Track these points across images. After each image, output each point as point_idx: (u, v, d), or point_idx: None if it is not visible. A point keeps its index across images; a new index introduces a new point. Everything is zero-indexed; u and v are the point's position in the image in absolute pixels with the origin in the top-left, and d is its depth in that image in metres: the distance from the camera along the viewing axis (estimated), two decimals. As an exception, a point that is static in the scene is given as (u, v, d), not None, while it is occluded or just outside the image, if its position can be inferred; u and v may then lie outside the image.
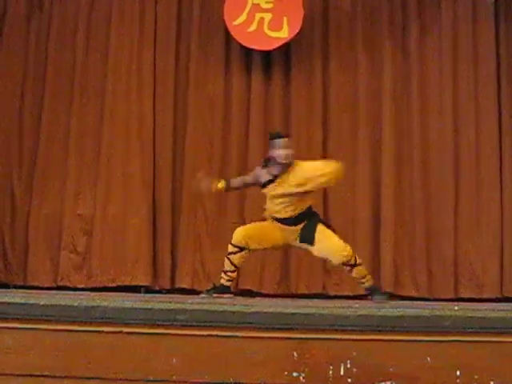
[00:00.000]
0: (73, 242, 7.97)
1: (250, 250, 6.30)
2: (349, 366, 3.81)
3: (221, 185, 6.39)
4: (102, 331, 3.87)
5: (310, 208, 6.24)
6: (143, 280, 7.82)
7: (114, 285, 7.77)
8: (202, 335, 3.85)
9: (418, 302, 6.58)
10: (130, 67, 8.21)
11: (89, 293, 7.01)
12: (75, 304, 3.94)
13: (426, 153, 8.01)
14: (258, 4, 8.15)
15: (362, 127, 8.04)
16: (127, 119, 8.12)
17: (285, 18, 8.04)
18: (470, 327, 3.94)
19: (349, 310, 4.01)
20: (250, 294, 7.69)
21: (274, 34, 8.07)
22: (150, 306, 3.93)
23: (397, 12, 8.23)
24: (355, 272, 6.20)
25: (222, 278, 6.31)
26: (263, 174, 6.24)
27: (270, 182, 6.16)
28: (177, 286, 7.87)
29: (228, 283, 6.30)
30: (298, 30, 8.01)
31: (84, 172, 8.11)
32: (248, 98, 8.19)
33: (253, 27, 8.09)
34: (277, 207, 6.17)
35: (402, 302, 6.90)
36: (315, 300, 6.95)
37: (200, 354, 3.84)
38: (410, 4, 8.22)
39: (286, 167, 6.10)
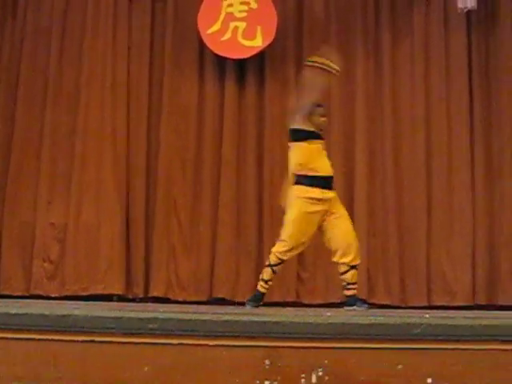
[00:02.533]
0: (46, 250, 7.93)
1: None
2: (320, 374, 3.81)
3: None
4: (73, 340, 3.85)
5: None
6: (116, 288, 7.79)
7: (87, 293, 7.74)
8: (174, 344, 3.84)
9: (390, 310, 6.60)
10: (104, 76, 8.19)
11: (61, 301, 6.98)
12: (46, 313, 3.91)
13: (399, 160, 8.07)
14: (232, 13, 8.17)
15: (335, 134, 8.07)
16: (101, 128, 8.10)
17: (258, 27, 8.08)
18: (441, 335, 3.96)
19: (320, 318, 4.01)
20: (223, 302, 7.69)
21: (247, 43, 8.10)
22: (121, 315, 3.91)
23: (370, 20, 8.30)
24: (351, 275, 6.24)
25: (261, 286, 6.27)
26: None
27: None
28: (150, 294, 7.85)
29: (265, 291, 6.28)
30: (271, 39, 8.05)
31: (57, 180, 8.07)
32: (222, 106, 8.20)
33: (227, 36, 8.12)
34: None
35: (374, 309, 6.92)
36: (288, 308, 6.95)
37: (172, 363, 3.83)
38: (383, 12, 8.30)
39: None
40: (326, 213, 6.18)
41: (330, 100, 8.14)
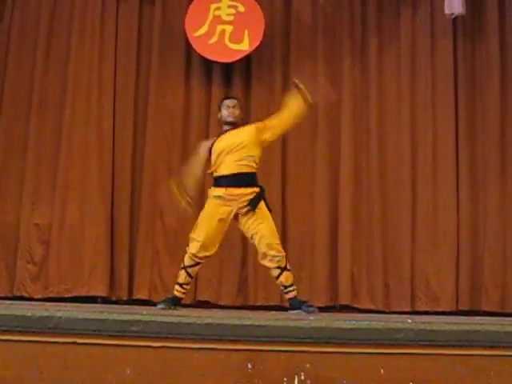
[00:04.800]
0: (30, 251, 7.87)
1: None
2: (303, 377, 3.82)
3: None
4: (56, 342, 3.84)
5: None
6: (100, 290, 7.75)
7: (70, 295, 7.69)
8: (156, 346, 3.84)
9: (372, 315, 6.61)
10: (90, 79, 8.14)
11: (44, 303, 6.96)
12: (28, 314, 3.91)
13: (384, 167, 8.08)
14: (220, 16, 8.16)
15: (321, 140, 8.08)
16: (86, 129, 8.05)
17: (246, 31, 8.06)
18: (423, 340, 3.98)
19: (303, 321, 4.02)
20: (207, 305, 7.69)
21: (234, 47, 8.09)
22: (103, 317, 3.91)
23: (357, 26, 8.30)
24: (284, 277, 6.26)
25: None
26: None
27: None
28: (134, 297, 7.82)
29: None
30: (258, 43, 8.04)
31: (42, 181, 8.02)
32: (208, 109, 8.17)
33: (214, 39, 8.10)
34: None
35: (356, 314, 6.93)
36: (271, 312, 6.95)
37: (154, 366, 3.84)
38: (370, 18, 8.30)
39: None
40: (237, 211, 6.35)
41: (316, 107, 8.14)
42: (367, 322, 4.21)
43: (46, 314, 3.93)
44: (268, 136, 6.57)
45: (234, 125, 6.60)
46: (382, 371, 3.87)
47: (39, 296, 7.73)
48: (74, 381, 3.82)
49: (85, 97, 8.13)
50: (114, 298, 7.84)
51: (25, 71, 8.22)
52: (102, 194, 7.94)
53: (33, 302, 7.16)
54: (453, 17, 7.86)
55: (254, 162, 6.47)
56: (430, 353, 3.96)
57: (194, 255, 6.34)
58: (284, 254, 6.36)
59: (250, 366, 3.80)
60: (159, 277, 7.91)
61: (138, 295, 7.80)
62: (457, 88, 8.15)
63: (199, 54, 8.12)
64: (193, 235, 6.39)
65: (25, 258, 7.86)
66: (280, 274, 6.28)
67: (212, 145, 6.55)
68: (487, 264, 7.80)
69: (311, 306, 6.36)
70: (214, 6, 8.16)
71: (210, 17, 8.14)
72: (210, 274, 7.75)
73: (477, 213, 7.96)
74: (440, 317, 6.86)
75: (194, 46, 8.10)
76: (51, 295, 7.69)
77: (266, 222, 6.34)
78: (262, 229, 6.30)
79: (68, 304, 6.82)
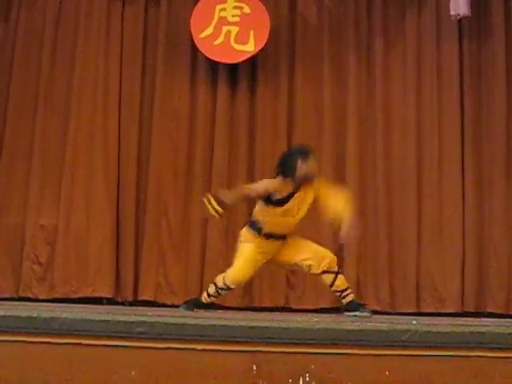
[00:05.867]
0: (35, 252, 7.88)
1: None
2: (307, 379, 3.82)
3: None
4: (61, 343, 3.85)
5: None
6: (106, 292, 7.76)
7: (76, 296, 7.70)
8: (162, 348, 3.84)
9: (378, 316, 6.60)
10: (96, 80, 8.15)
11: (50, 304, 6.96)
12: (34, 315, 3.91)
13: (390, 168, 8.07)
14: (225, 17, 8.16)
15: (327, 141, 8.08)
16: (92, 130, 8.07)
17: (251, 32, 8.06)
18: (429, 341, 3.98)
19: (308, 323, 4.02)
20: (213, 307, 7.68)
21: (240, 48, 8.09)
22: (109, 318, 3.92)
23: (362, 26, 8.29)
24: (340, 281, 6.26)
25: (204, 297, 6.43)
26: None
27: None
28: (139, 298, 7.82)
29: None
30: (264, 44, 8.04)
31: (47, 182, 8.03)
32: (213, 110, 8.18)
33: (219, 40, 8.10)
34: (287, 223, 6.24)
35: (377, 315, 6.92)
36: (276, 313, 6.95)
37: (159, 367, 3.84)
38: (376, 19, 8.29)
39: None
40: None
41: (322, 108, 8.15)
42: (372, 324, 4.21)
43: (51, 315, 3.94)
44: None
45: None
46: (387, 373, 3.86)
47: (45, 297, 7.73)
48: (79, 382, 3.82)
49: (90, 98, 8.14)
50: (119, 299, 7.84)
51: (30, 72, 8.22)
52: (107, 196, 7.95)
53: (38, 303, 7.17)
54: (458, 18, 7.84)
55: None
56: (435, 354, 3.95)
57: (229, 287, 6.32)
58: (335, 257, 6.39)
59: (254, 367, 3.80)
60: (164, 278, 7.91)
61: (143, 296, 7.81)
62: (462, 89, 8.13)
63: (205, 55, 8.12)
64: (235, 268, 6.33)
65: (30, 258, 7.87)
66: (335, 279, 6.27)
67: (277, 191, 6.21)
68: (492, 266, 7.78)
69: (366, 309, 6.40)
70: (219, 7, 8.16)
71: (216, 18, 8.15)
72: (216, 276, 7.74)
73: (482, 215, 7.95)
74: (445, 318, 6.85)
75: (199, 47, 8.10)
76: (57, 296, 7.69)
77: (301, 240, 6.39)
78: (301, 245, 6.34)
79: (73, 305, 6.84)
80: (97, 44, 8.24)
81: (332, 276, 6.27)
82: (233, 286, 6.33)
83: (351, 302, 6.33)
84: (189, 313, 5.87)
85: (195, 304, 6.39)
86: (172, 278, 7.87)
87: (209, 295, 6.38)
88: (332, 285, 6.30)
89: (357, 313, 6.20)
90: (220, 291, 6.34)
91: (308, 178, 6.20)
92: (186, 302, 6.57)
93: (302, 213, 6.26)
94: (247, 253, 6.27)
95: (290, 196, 6.16)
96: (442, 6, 8.12)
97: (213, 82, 8.24)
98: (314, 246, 6.35)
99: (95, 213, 7.91)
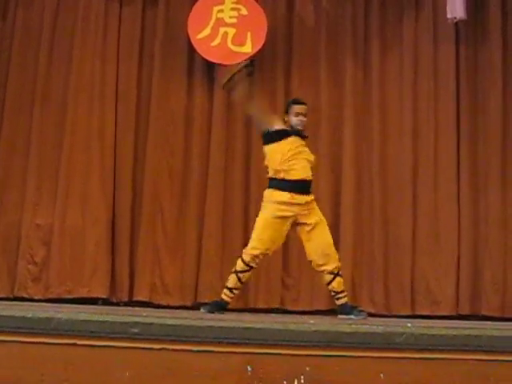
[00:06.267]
0: (31, 252, 7.87)
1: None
2: (302, 381, 3.82)
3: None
4: (56, 343, 3.84)
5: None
6: (101, 292, 7.75)
7: (71, 296, 7.69)
8: (157, 348, 3.85)
9: (373, 319, 6.61)
10: (93, 80, 8.15)
11: (45, 304, 6.96)
12: (29, 315, 3.91)
13: (386, 171, 8.08)
14: (222, 18, 8.17)
15: (323, 142, 8.07)
16: (88, 131, 8.06)
17: (248, 33, 8.08)
18: (423, 344, 3.98)
19: (303, 325, 4.03)
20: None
21: (237, 49, 8.09)
22: (104, 319, 3.92)
23: (359, 29, 8.30)
24: (337, 283, 6.27)
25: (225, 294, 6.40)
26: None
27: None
28: (135, 298, 7.81)
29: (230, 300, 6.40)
30: (261, 46, 8.05)
31: (43, 182, 8.02)
32: (210, 112, 8.18)
33: (216, 41, 8.11)
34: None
35: (372, 318, 6.92)
36: (271, 315, 6.95)
37: (154, 368, 3.84)
38: (373, 22, 8.31)
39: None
40: (296, 218, 6.30)
41: (319, 110, 8.15)
42: (367, 326, 4.21)
43: (46, 315, 3.94)
44: None
45: (301, 133, 6.56)
46: (382, 375, 3.87)
47: (40, 297, 7.72)
48: (75, 382, 3.82)
49: (87, 98, 8.14)
50: (114, 300, 7.84)
51: (27, 72, 8.22)
52: (103, 196, 7.94)
53: (33, 303, 7.16)
54: (455, 21, 7.85)
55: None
56: (430, 357, 3.95)
57: (254, 258, 6.27)
58: (339, 262, 6.45)
59: (249, 368, 3.80)
60: (160, 278, 7.91)
61: (138, 297, 7.80)
62: (459, 92, 8.15)
63: (202, 57, 8.13)
64: (254, 239, 6.32)
65: (26, 258, 7.86)
66: (332, 280, 6.31)
67: (279, 135, 6.43)
68: (487, 268, 7.79)
69: (362, 311, 6.44)
70: (216, 8, 8.18)
71: (213, 19, 8.15)
72: (211, 277, 7.75)
73: (478, 218, 7.96)
74: (440, 321, 6.86)
75: (196, 48, 8.11)
76: (52, 296, 7.68)
77: (323, 230, 6.42)
78: (318, 236, 6.36)
79: (68, 305, 6.83)
80: (94, 44, 8.23)
81: (330, 277, 6.30)
82: (248, 258, 6.28)
83: (344, 304, 6.36)
84: (185, 314, 5.85)
85: (216, 305, 6.37)
86: (167, 279, 7.87)
87: (230, 289, 6.36)
88: (328, 284, 6.37)
89: (352, 316, 6.23)
90: (241, 276, 6.31)
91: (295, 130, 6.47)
92: (207, 304, 6.56)
93: (312, 159, 6.48)
94: (264, 220, 6.35)
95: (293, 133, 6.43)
96: (438, 10, 8.13)
97: (210, 83, 8.24)
98: (325, 245, 6.38)
99: (91, 213, 7.90)
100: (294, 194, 6.30)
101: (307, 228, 6.35)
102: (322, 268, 6.34)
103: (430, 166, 8.03)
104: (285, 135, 6.40)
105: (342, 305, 6.39)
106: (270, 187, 6.42)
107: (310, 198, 6.42)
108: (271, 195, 6.37)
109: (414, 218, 7.96)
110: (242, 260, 6.28)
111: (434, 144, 8.06)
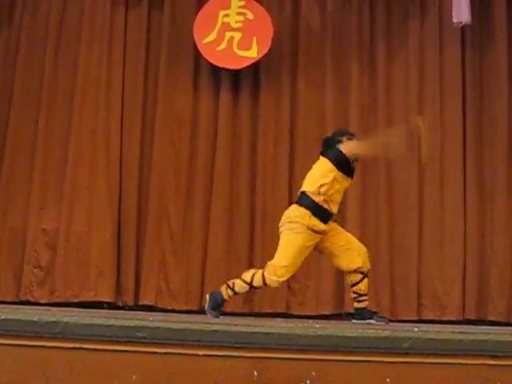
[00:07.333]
0: (36, 256, 7.89)
1: None
2: (309, 385, 3.81)
3: None
4: (61, 347, 3.84)
5: None
6: (106, 296, 7.75)
7: (77, 300, 7.70)
8: (162, 353, 3.84)
9: (378, 323, 6.58)
10: (99, 85, 8.17)
11: (50, 308, 6.96)
12: (35, 319, 3.91)
13: (391, 175, 8.07)
14: (228, 23, 8.18)
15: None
16: (94, 135, 8.08)
17: (254, 38, 8.08)
18: (430, 349, 3.97)
19: (309, 329, 4.01)
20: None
21: (243, 54, 8.10)
22: (110, 323, 3.91)
23: (365, 33, 8.31)
24: (364, 285, 6.25)
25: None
26: None
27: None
28: (140, 302, 7.82)
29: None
30: (267, 50, 8.06)
31: (49, 187, 8.05)
32: (216, 116, 8.19)
33: (222, 46, 8.12)
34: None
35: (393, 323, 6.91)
36: (277, 319, 6.94)
37: (160, 372, 3.83)
38: (378, 26, 8.32)
39: None
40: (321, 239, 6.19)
41: (324, 114, 8.15)
42: (373, 331, 4.20)
43: (52, 319, 3.93)
44: None
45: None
46: (388, 380, 3.85)
47: (45, 301, 7.74)
48: (80, 386, 3.81)
49: (93, 103, 8.16)
50: (120, 304, 7.84)
51: (33, 77, 8.25)
52: (109, 200, 7.95)
53: (39, 307, 7.16)
54: (461, 25, 7.85)
55: None
56: (437, 362, 3.94)
57: (276, 280, 6.05)
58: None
59: (256, 373, 3.79)
60: (165, 283, 7.91)
61: (144, 301, 7.81)
62: (465, 97, 8.15)
63: (207, 61, 8.14)
64: (283, 264, 6.03)
65: (31, 262, 7.88)
66: (361, 280, 6.22)
67: (349, 172, 6.23)
68: (494, 274, 7.77)
69: (383, 317, 6.41)
70: (222, 12, 8.19)
71: (219, 24, 8.16)
72: (217, 282, 7.73)
73: (484, 223, 7.94)
74: (446, 326, 6.84)
75: (202, 52, 8.12)
76: (57, 300, 7.70)
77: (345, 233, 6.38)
78: (343, 239, 6.29)
79: (74, 309, 6.82)
80: (100, 48, 8.25)
81: (360, 277, 6.23)
82: (275, 284, 6.12)
83: (364, 308, 6.29)
84: (191, 318, 5.84)
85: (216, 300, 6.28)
86: (173, 283, 7.87)
87: (235, 293, 6.27)
88: (355, 285, 6.24)
89: (371, 321, 6.17)
90: (252, 290, 6.27)
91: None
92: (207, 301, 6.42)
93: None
94: (297, 246, 6.05)
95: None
96: (444, 14, 8.13)
97: (215, 88, 8.26)
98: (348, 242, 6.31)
99: (97, 217, 7.91)
100: (327, 225, 6.17)
101: (330, 234, 6.21)
102: (351, 265, 6.21)
103: (436, 171, 8.01)
104: (350, 174, 6.22)
105: (361, 308, 6.26)
106: (303, 205, 6.10)
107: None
108: (309, 220, 6.03)
109: (420, 223, 7.95)
110: (264, 281, 6.04)
111: (439, 149, 8.05)
